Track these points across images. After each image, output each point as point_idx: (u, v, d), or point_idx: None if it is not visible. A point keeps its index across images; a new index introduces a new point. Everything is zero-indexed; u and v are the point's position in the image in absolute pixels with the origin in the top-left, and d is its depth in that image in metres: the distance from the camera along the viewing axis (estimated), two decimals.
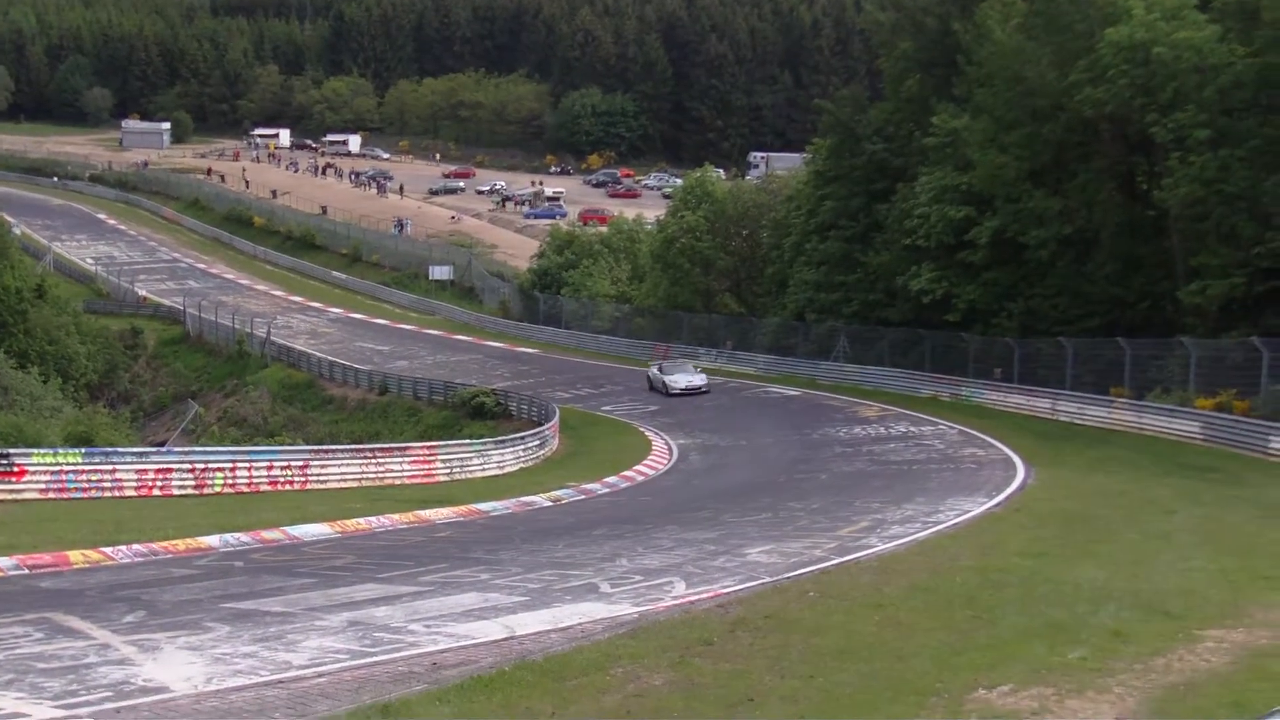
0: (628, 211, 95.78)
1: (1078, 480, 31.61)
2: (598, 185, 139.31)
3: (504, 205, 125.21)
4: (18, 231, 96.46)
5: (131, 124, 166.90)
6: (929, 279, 52.33)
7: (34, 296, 63.95)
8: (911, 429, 43.98)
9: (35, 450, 30.48)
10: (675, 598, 16.56)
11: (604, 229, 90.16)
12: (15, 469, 28.60)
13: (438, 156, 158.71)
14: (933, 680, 11.63)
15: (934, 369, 53.82)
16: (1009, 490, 29.09)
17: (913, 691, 11.24)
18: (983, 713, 10.55)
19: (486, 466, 38.81)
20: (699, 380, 56.09)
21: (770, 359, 62.54)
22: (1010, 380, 49.75)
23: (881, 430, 44.20)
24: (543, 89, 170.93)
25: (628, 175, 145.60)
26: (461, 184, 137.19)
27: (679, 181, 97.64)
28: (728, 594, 16.59)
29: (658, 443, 43.58)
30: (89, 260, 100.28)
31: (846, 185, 59.31)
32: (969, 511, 25.42)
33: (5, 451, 29.28)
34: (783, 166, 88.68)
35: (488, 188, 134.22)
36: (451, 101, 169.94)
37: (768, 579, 17.77)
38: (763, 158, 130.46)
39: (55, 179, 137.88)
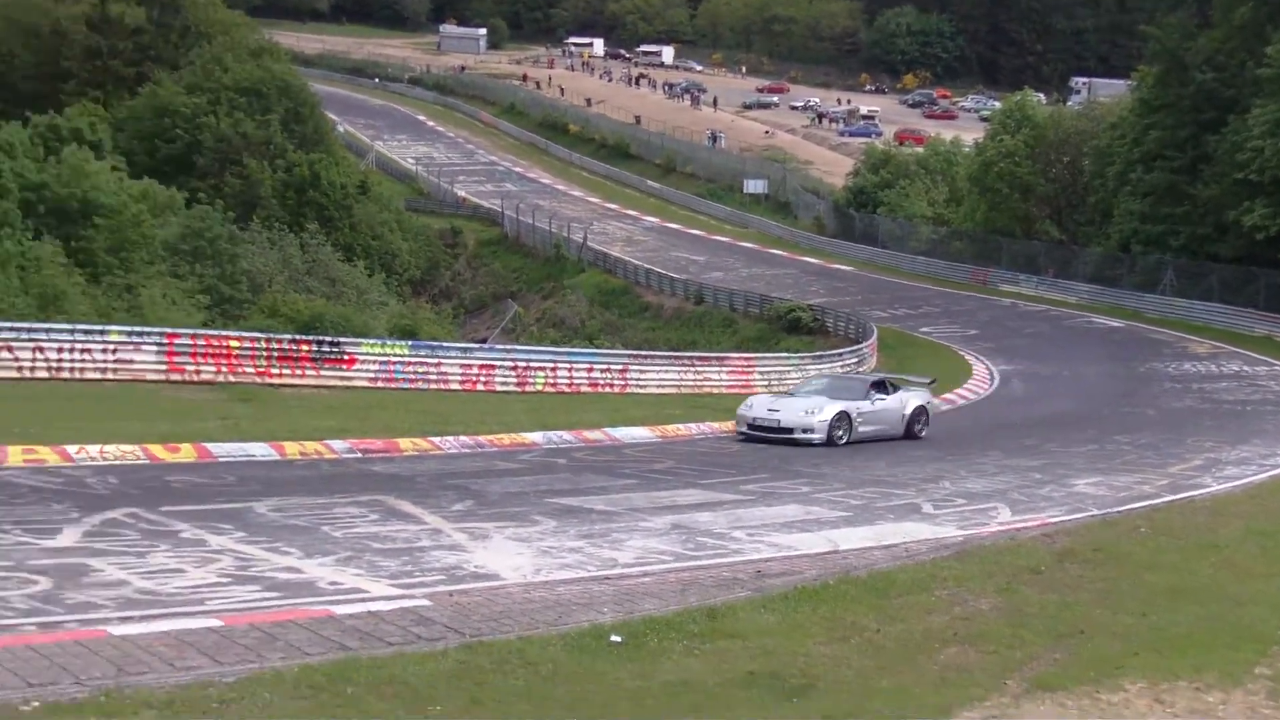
0: (944, 133, 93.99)
1: None
2: (913, 106, 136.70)
3: (819, 121, 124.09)
4: (341, 130, 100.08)
5: (449, 29, 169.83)
6: (1263, 215, 50.48)
7: (358, 193, 66.07)
8: (1245, 369, 42.54)
9: (364, 340, 31.66)
10: (1000, 523, 16.32)
11: (920, 150, 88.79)
12: (346, 357, 29.79)
13: (743, 70, 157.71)
14: (1274, 628, 11.18)
15: (1269, 309, 51.77)
16: None
17: (1252, 638, 10.79)
18: None
19: None
20: (807, 418, 24.82)
21: (1093, 289, 60.95)
22: None
23: (1213, 368, 42.80)
24: (856, 6, 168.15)
25: (944, 96, 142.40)
26: (775, 99, 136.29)
27: (997, 104, 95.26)
28: (1054, 524, 16.28)
29: (978, 367, 42.90)
30: (409, 160, 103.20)
31: (1174, 115, 57.36)
32: None
33: (337, 340, 30.52)
34: (1106, 93, 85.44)
35: (801, 104, 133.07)
36: (765, 16, 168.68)
37: (1095, 511, 17.38)
38: (1085, 83, 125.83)
39: (375, 80, 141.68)
